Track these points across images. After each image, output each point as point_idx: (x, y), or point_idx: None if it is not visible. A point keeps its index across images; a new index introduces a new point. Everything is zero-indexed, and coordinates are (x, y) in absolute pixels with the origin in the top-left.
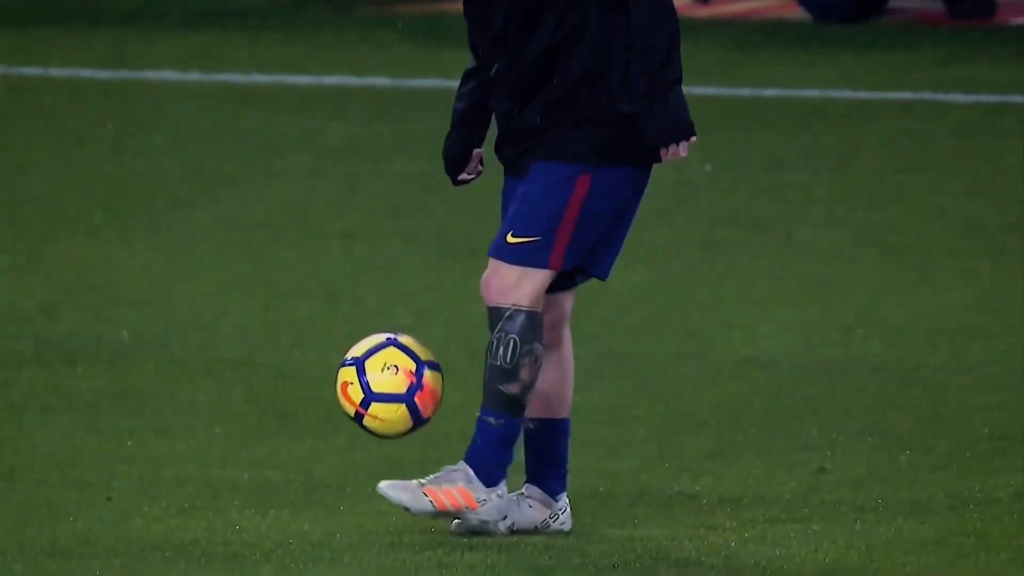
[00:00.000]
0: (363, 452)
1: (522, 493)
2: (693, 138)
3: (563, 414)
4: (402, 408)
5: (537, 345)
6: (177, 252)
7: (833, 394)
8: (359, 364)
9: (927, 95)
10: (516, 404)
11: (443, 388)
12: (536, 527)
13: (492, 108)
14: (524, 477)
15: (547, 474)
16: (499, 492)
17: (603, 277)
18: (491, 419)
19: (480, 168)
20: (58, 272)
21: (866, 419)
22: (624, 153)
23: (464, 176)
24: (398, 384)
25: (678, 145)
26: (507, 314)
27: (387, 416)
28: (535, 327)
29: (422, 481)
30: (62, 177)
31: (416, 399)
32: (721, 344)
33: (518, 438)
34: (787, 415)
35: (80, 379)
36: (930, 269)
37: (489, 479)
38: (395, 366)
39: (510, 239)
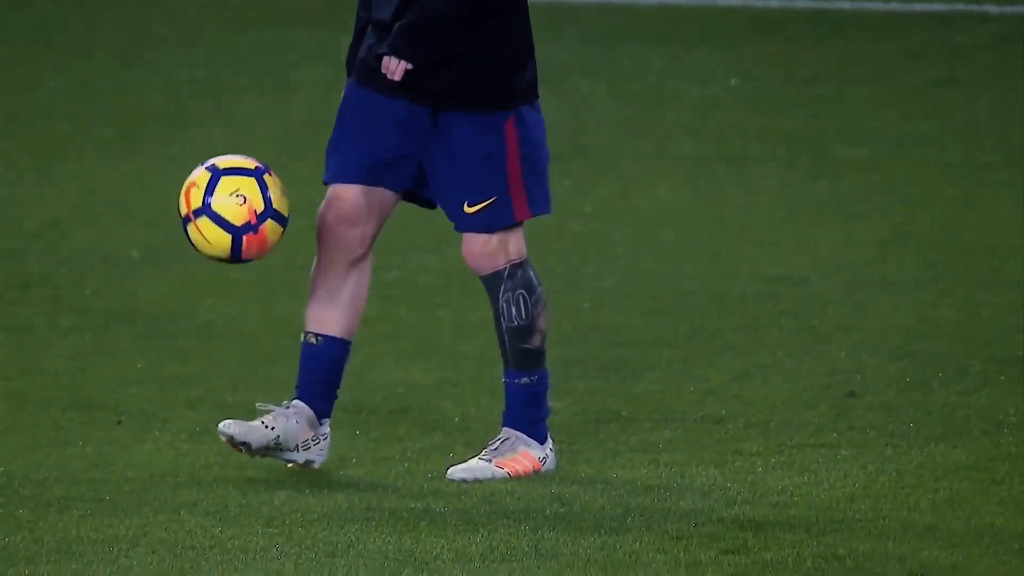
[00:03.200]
0: (379, 373)
1: (292, 407)
2: (409, 65)
3: (351, 336)
4: (227, 238)
5: (540, 290)
6: (188, 169)
7: (864, 314)
8: (215, 174)
9: (961, 7)
10: (541, 356)
11: (278, 241)
12: (297, 446)
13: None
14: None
15: (319, 393)
16: (551, 446)
17: (546, 212)
18: (523, 380)
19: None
20: (66, 189)
21: (898, 340)
22: (532, 91)
23: None
24: (237, 215)
25: (398, 63)
26: (505, 274)
27: (211, 237)
28: (532, 274)
29: (484, 457)
30: (70, 92)
31: (244, 238)
32: (748, 263)
33: (549, 385)
34: (816, 337)
35: (89, 298)
36: (965, 185)
37: (539, 436)
38: (244, 197)
39: (468, 209)
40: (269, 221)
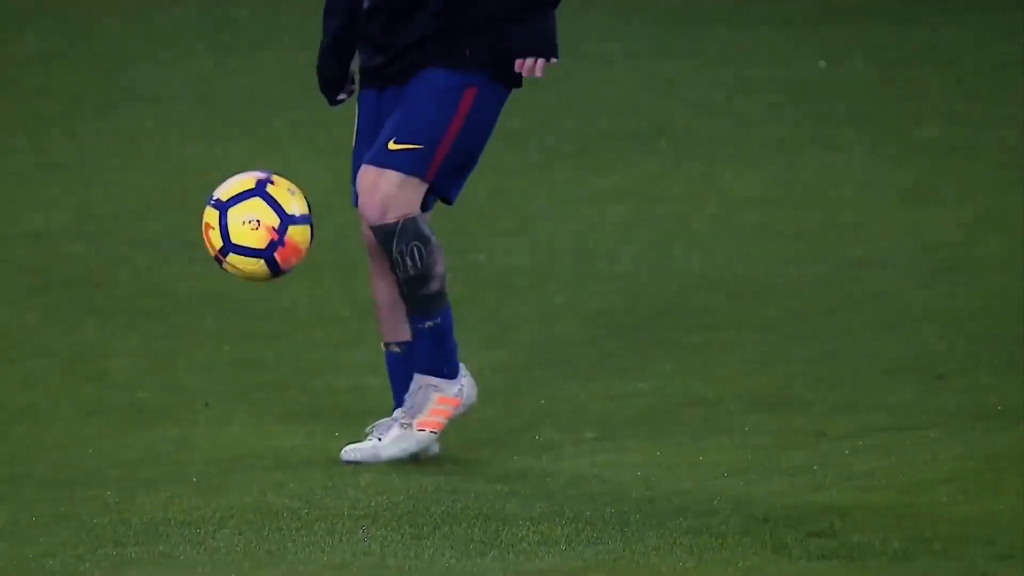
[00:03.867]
0: (464, 356)
1: (394, 419)
2: (554, 60)
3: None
4: (260, 262)
5: (432, 236)
6: (274, 151)
7: (951, 297)
8: (222, 210)
9: None
10: (441, 296)
11: (311, 239)
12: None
13: (363, 22)
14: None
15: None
16: (463, 376)
17: (451, 200)
18: (426, 324)
19: (352, 87)
20: (153, 172)
21: (986, 323)
22: (505, 71)
23: (342, 96)
24: (258, 240)
25: (536, 61)
26: (397, 229)
27: (245, 268)
28: (422, 224)
29: (404, 422)
30: (159, 75)
31: (276, 255)
32: (834, 245)
33: (452, 321)
34: (903, 319)
35: (175, 281)
36: None
37: (451, 372)
38: (257, 220)
39: (392, 145)
40: (290, 228)
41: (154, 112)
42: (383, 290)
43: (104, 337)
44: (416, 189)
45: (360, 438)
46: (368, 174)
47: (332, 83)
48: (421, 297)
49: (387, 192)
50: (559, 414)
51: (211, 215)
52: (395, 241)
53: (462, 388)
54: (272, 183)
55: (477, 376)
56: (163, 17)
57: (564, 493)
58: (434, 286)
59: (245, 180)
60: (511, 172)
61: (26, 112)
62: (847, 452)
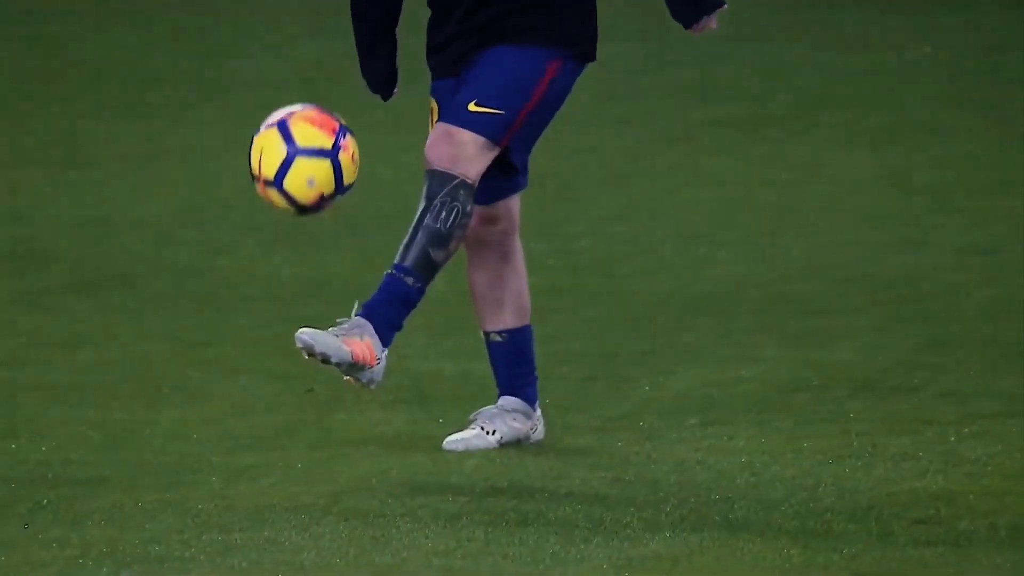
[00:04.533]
0: (568, 342)
1: (502, 407)
2: (724, 7)
3: (528, 320)
4: (291, 210)
5: (470, 222)
6: (380, 136)
7: None
8: (290, 154)
9: None
10: (433, 271)
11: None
12: (519, 440)
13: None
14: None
15: (523, 383)
16: (385, 354)
17: (519, 168)
18: (408, 278)
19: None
20: None
21: None
22: (585, 49)
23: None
24: (305, 196)
25: (709, 16)
26: (455, 182)
27: (279, 204)
28: (473, 203)
29: (333, 332)
30: (265, 60)
31: (308, 211)
32: (941, 231)
33: (415, 307)
34: (1010, 305)
35: (280, 267)
36: None
37: (385, 340)
38: (314, 181)
39: (472, 107)
40: (335, 197)
41: (260, 98)
42: (481, 281)
43: (209, 323)
44: (487, 154)
45: (464, 425)
46: (443, 128)
47: (385, 82)
48: (424, 252)
49: (461, 146)
50: (663, 400)
51: (278, 147)
52: (445, 190)
53: (381, 360)
54: (344, 150)
55: (580, 362)
56: (270, 2)
57: (668, 480)
58: (440, 256)
59: (324, 134)
60: (615, 157)
61: (134, 99)
62: (953, 439)
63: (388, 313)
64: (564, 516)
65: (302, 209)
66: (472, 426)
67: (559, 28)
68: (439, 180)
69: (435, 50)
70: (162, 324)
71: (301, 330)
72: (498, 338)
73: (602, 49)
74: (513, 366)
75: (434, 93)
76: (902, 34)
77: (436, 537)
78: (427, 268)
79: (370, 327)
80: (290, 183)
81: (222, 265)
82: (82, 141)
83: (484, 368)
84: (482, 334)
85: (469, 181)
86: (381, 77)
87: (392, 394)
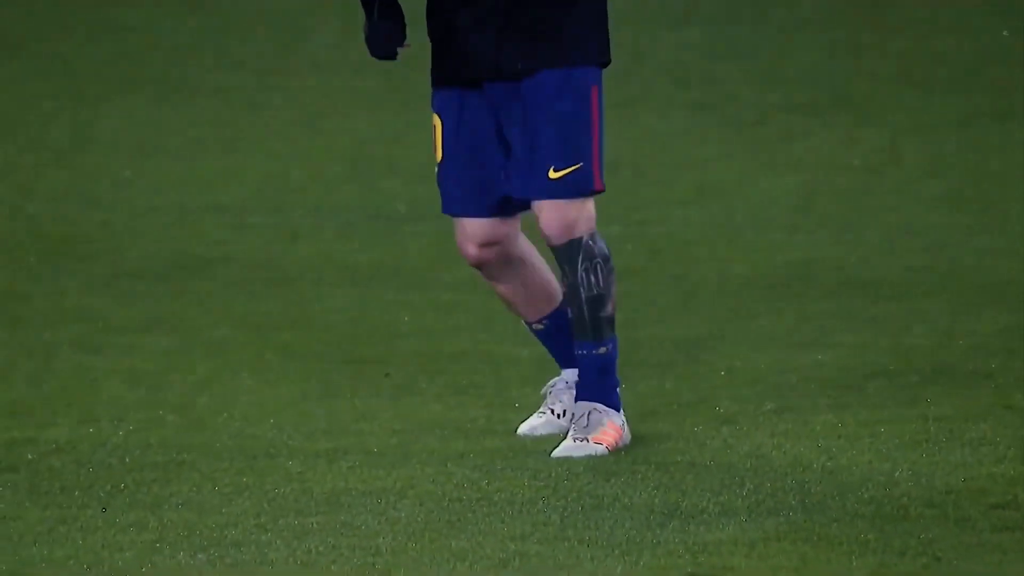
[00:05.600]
0: (644, 327)
1: (566, 381)
2: None
3: (560, 305)
4: None
5: (610, 256)
6: None
7: None
8: None
9: None
10: (612, 322)
11: None
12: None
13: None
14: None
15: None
16: (623, 416)
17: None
18: (600, 350)
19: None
20: (333, 143)
21: None
22: (609, 58)
23: (403, 47)
24: None
25: None
26: (584, 244)
27: None
28: (602, 242)
29: (578, 437)
30: (339, 46)
31: None
32: (1017, 216)
33: (617, 355)
34: None
35: (356, 252)
36: None
37: (615, 405)
38: None
39: (553, 175)
40: None
41: (335, 85)
42: (506, 291)
43: (286, 308)
44: (590, 203)
45: (537, 403)
46: (543, 207)
47: (387, 48)
48: (598, 319)
49: (568, 215)
50: (739, 385)
51: None
52: (581, 257)
53: (624, 425)
54: None
55: (656, 347)
56: None
57: (744, 464)
58: (610, 308)
59: None
60: (691, 142)
61: (208, 85)
62: None
63: (604, 385)
64: (640, 501)
65: None
66: (541, 408)
67: (589, 39)
68: (567, 251)
69: (442, 49)
70: (239, 309)
71: (553, 454)
72: (541, 326)
73: (679, 34)
74: (564, 341)
75: (437, 108)
76: (978, 18)
77: (511, 521)
78: (606, 324)
79: (599, 407)
80: None
81: (299, 250)
82: (159, 127)
83: None
84: (526, 327)
85: (589, 234)
86: (379, 50)
87: (467, 378)
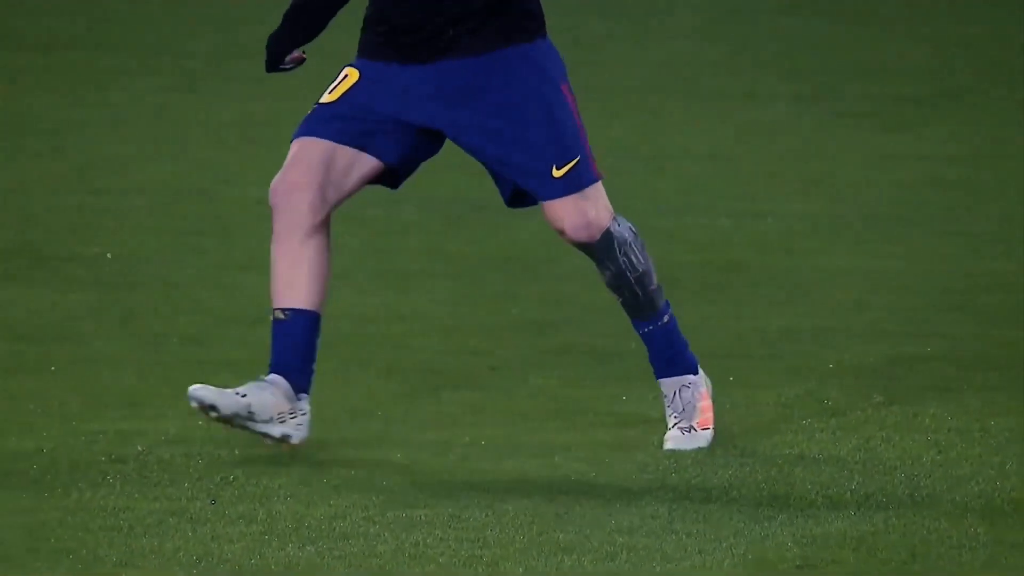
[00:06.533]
0: (753, 318)
1: (265, 380)
2: None
3: (321, 308)
4: None
5: (634, 227)
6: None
7: None
8: None
9: None
10: (661, 289)
11: None
12: (271, 417)
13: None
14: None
15: (293, 368)
16: (702, 379)
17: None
18: (664, 319)
19: (302, 55)
20: None
21: None
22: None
23: (286, 66)
24: None
25: None
26: (610, 235)
27: None
28: (623, 221)
29: (683, 427)
30: None
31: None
32: None
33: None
34: None
35: (464, 243)
36: None
37: (692, 364)
38: None
39: (557, 173)
40: None
41: None
42: (286, 253)
43: (394, 301)
44: (600, 190)
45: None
46: (553, 209)
47: (278, 57)
48: (650, 293)
49: (585, 213)
50: (847, 377)
51: None
52: (615, 243)
53: (706, 381)
54: None
55: (763, 339)
56: None
57: (853, 457)
58: (655, 278)
59: None
60: (799, 134)
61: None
62: None
63: (674, 351)
64: (748, 493)
65: None
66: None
67: (536, 15)
68: (604, 249)
69: (388, 30)
70: (346, 301)
71: (664, 447)
72: (281, 316)
73: (784, 24)
74: (287, 348)
75: (363, 68)
76: None
77: (619, 514)
78: (659, 295)
79: (684, 380)
80: None
81: (408, 243)
82: (269, 119)
83: None
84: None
85: (609, 222)
86: (275, 53)
87: (575, 371)
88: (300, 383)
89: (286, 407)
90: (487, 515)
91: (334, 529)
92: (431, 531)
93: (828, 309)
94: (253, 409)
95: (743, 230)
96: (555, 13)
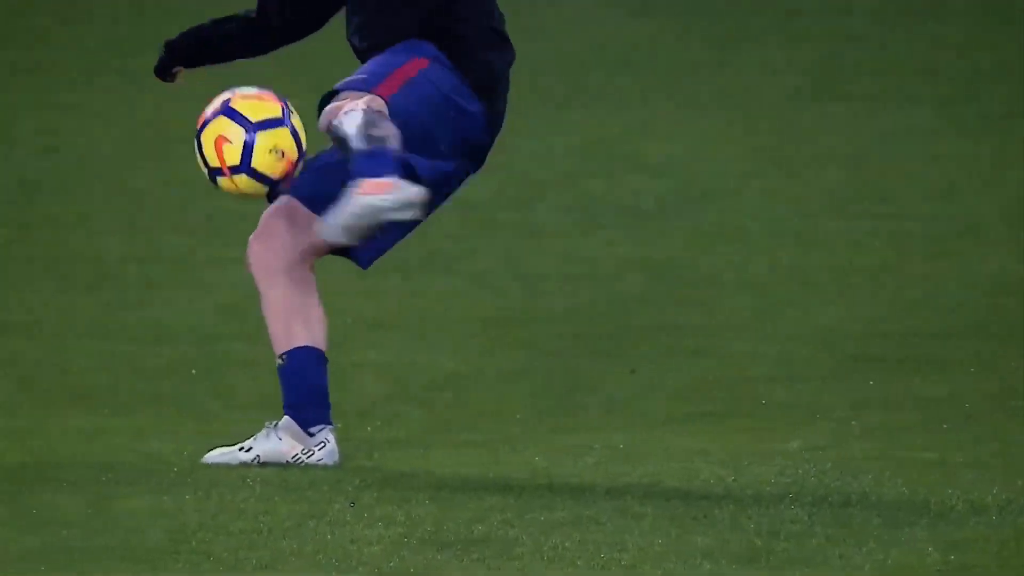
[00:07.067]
0: (894, 321)
1: (275, 425)
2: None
3: (324, 345)
4: (264, 189)
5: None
6: (697, 116)
7: None
8: (249, 131)
9: None
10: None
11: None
12: (287, 462)
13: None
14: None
15: (306, 403)
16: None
17: (422, 179)
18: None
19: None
20: (578, 138)
21: None
22: (459, 59)
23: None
24: (276, 169)
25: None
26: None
27: (247, 189)
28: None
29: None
30: (583, 38)
31: (281, 185)
32: None
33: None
34: None
35: (599, 247)
36: None
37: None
38: (283, 152)
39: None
40: (300, 164)
41: (579, 78)
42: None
43: (529, 303)
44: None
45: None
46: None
47: (167, 68)
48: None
49: (338, 106)
50: (988, 381)
51: (234, 131)
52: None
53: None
54: (292, 112)
55: (902, 342)
56: None
57: (994, 462)
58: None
59: (271, 105)
60: (938, 139)
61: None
62: None
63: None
64: (888, 498)
65: (274, 185)
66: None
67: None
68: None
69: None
70: (479, 304)
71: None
72: (279, 361)
73: (926, 27)
74: (297, 388)
75: None
76: None
77: (758, 518)
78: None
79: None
80: (258, 161)
81: (542, 245)
82: None
83: (806, 349)
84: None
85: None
86: (166, 65)
87: (709, 372)
88: (310, 417)
89: (299, 448)
90: (625, 518)
91: (472, 532)
92: (569, 534)
93: (967, 313)
94: (263, 460)
95: (884, 233)
96: (704, 12)
